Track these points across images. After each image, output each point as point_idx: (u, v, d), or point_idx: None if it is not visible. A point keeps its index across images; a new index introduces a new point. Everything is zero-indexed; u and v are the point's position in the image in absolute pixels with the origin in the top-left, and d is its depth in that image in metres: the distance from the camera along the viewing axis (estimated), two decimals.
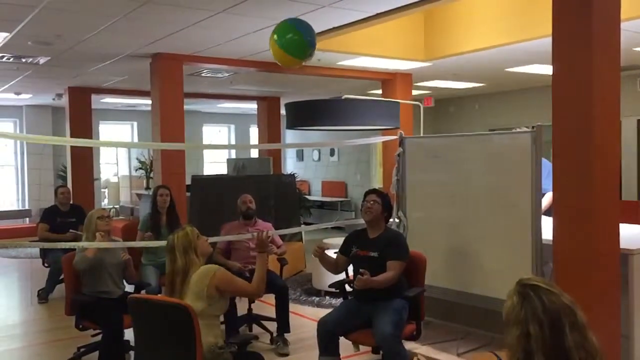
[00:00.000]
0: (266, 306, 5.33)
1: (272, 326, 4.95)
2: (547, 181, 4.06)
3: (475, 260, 4.48)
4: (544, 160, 4.12)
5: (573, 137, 3.23)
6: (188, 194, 7.14)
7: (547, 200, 4.38)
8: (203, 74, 8.34)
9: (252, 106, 12.31)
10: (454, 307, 4.71)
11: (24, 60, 7.09)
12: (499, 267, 4.30)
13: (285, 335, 4.82)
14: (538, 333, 1.67)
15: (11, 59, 7.00)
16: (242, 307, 5.10)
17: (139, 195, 10.77)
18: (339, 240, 6.97)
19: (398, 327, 3.64)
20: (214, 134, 15.09)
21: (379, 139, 6.88)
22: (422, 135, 7.40)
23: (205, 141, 14.48)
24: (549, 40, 3.36)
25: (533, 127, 4.12)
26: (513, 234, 4.23)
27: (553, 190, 3.42)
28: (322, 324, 3.81)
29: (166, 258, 3.18)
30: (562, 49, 3.29)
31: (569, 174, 3.26)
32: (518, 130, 4.96)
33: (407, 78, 8.35)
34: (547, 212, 4.15)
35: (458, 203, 4.66)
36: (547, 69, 7.41)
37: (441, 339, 4.73)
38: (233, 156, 13.17)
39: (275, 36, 3.80)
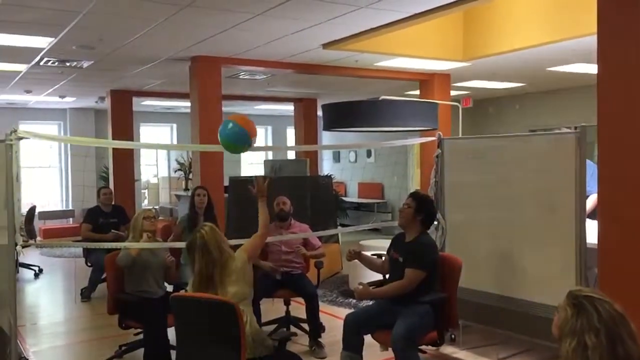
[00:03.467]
0: (304, 308, 5.31)
1: None
2: (591, 183, 3.94)
3: (517, 264, 4.38)
4: (587, 161, 4.01)
5: (620, 141, 3.11)
6: (226, 195, 7.20)
7: (591, 202, 4.24)
8: (241, 76, 8.42)
9: (288, 108, 12.35)
10: (494, 311, 4.62)
11: (68, 64, 7.28)
12: (541, 272, 4.20)
13: (322, 337, 4.82)
14: (595, 343, 1.64)
15: (56, 63, 7.20)
16: (279, 310, 5.12)
17: (178, 196, 10.92)
18: (375, 242, 7.00)
19: (413, 330, 3.57)
20: None
21: (417, 141, 6.81)
22: (461, 136, 7.30)
23: None
24: (593, 38, 3.26)
25: (576, 128, 4.01)
26: (556, 238, 4.13)
27: (598, 196, 3.30)
28: (347, 320, 3.82)
29: (196, 255, 3.11)
30: (608, 47, 3.18)
31: (616, 179, 3.14)
32: (561, 130, 4.85)
33: (445, 78, 8.26)
34: (591, 215, 4.03)
35: (499, 205, 4.57)
36: (590, 68, 7.22)
37: (481, 344, 4.66)
38: (270, 157, 13.24)
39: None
